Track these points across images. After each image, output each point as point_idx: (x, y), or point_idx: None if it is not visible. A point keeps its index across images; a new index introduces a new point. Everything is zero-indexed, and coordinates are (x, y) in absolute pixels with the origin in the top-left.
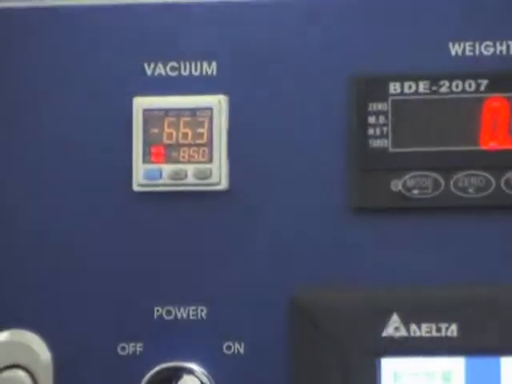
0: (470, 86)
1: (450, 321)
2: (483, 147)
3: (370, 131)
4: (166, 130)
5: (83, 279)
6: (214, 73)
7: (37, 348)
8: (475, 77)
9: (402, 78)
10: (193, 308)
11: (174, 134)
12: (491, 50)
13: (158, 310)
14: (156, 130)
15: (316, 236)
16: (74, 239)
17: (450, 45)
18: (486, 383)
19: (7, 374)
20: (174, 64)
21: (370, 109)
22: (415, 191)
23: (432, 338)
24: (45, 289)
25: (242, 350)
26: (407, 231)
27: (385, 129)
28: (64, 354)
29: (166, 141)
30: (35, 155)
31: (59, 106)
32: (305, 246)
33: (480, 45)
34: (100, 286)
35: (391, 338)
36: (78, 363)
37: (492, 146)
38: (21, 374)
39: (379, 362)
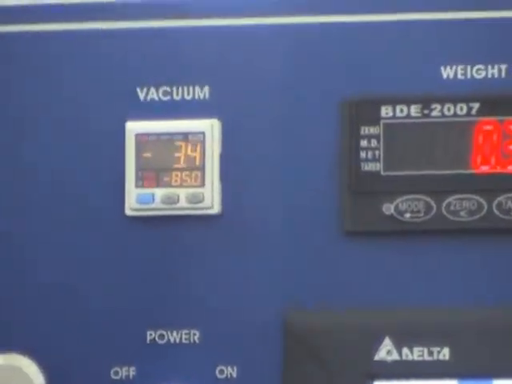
0: (461, 109)
1: (441, 344)
2: (475, 170)
3: (362, 155)
4: (158, 154)
5: (76, 304)
6: (207, 97)
7: (30, 372)
8: (467, 100)
9: (393, 102)
10: (185, 332)
11: (167, 158)
12: (483, 73)
13: (150, 334)
14: (148, 155)
15: (308, 259)
16: (66, 264)
17: (442, 68)
18: None
19: None
20: (167, 88)
21: (361, 132)
22: (407, 215)
23: (424, 362)
24: (37, 313)
25: (234, 374)
26: (399, 255)
27: (377, 152)
28: (57, 379)
29: (158, 165)
30: (24, 182)
31: (50, 132)
32: (297, 270)
33: (472, 68)
34: (92, 310)
35: (383, 362)
36: None
37: (484, 169)
38: None
39: None
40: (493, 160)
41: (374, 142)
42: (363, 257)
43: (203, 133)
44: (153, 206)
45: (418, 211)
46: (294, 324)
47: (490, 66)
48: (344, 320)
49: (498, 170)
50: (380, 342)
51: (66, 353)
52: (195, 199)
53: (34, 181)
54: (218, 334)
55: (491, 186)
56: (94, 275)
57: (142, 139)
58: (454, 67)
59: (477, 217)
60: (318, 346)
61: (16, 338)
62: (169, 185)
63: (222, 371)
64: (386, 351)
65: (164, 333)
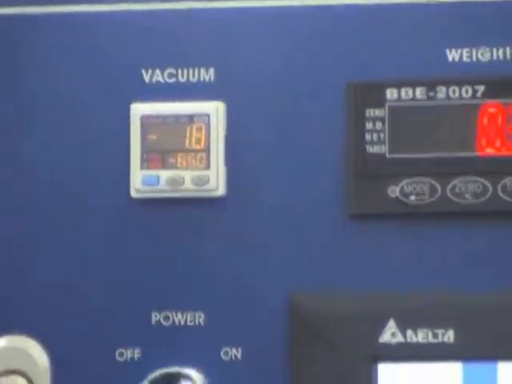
0: (466, 91)
1: (446, 327)
2: (480, 153)
3: (368, 137)
4: (164, 136)
5: (81, 285)
6: (212, 79)
7: (34, 354)
8: (472, 83)
9: (398, 85)
10: (190, 314)
11: (172, 140)
12: (488, 56)
13: (156, 316)
14: (154, 137)
15: (314, 242)
16: (73, 245)
17: (447, 51)
18: None
19: (5, 380)
20: (172, 71)
21: (367, 115)
22: (412, 197)
23: (428, 344)
24: (43, 295)
25: (239, 356)
26: (404, 237)
27: (382, 135)
28: (62, 360)
29: (163, 147)
30: (33, 162)
31: (56, 117)
32: (303, 252)
33: (477, 51)
34: (98, 291)
35: (388, 344)
36: (76, 368)
37: (489, 151)
38: (18, 379)
39: (376, 368)
40: (497, 142)
41: (379, 125)
42: (369, 239)
43: (208, 115)
44: (158, 187)
45: (423, 193)
46: (300, 306)
47: (495, 49)
48: (349, 303)
49: (503, 152)
50: (384, 324)
51: (71, 334)
52: (200, 181)
53: (36, 168)
54: (223, 316)
55: (496, 168)
56: (100, 258)
57: (147, 121)
58: (460, 50)
59: (482, 199)
60: (323, 328)
61: (20, 319)
62: (174, 167)
63: (226, 353)
64: (390, 333)
65: (169, 314)
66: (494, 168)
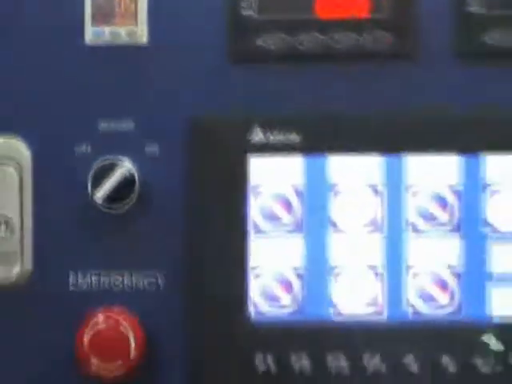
0: None
1: (292, 130)
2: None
3: (242, 4)
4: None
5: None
6: None
7: (20, 148)
8: None
9: None
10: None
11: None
12: None
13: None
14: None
15: (200, 83)
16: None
17: None
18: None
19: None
20: None
21: None
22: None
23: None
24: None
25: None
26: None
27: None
28: (40, 152)
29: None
30: None
31: None
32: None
33: None
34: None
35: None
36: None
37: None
38: (10, 168)
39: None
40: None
41: None
42: (247, 81)
43: None
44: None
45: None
46: (199, 122)
47: None
48: (229, 116)
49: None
50: (253, 127)
51: (49, 128)
52: (132, 35)
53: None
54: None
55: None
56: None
57: None
58: None
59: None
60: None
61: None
62: (113, 23)
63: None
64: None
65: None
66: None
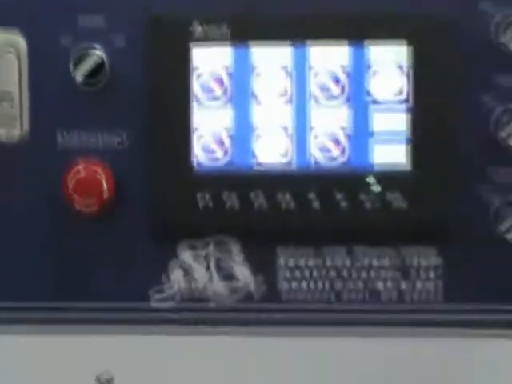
0: None
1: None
2: None
3: None
4: None
5: None
6: None
7: (18, 39)
8: None
9: None
10: None
11: None
12: None
13: None
14: None
15: None
16: None
17: None
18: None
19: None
20: None
21: None
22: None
23: None
24: None
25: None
26: None
27: None
28: (34, 43)
29: None
30: None
31: None
32: None
33: None
34: None
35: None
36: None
37: None
38: (11, 55)
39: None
40: None
41: None
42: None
43: None
44: None
45: None
46: (156, 19)
47: None
48: None
49: None
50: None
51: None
52: None
53: None
54: None
55: None
56: None
57: None
58: None
59: None
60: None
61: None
62: None
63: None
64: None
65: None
66: None
